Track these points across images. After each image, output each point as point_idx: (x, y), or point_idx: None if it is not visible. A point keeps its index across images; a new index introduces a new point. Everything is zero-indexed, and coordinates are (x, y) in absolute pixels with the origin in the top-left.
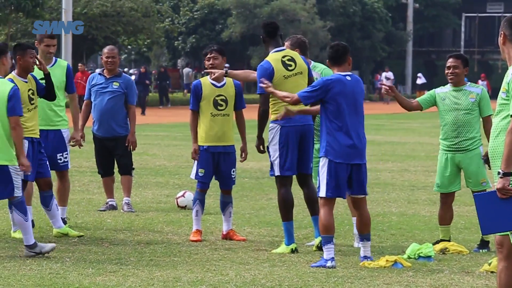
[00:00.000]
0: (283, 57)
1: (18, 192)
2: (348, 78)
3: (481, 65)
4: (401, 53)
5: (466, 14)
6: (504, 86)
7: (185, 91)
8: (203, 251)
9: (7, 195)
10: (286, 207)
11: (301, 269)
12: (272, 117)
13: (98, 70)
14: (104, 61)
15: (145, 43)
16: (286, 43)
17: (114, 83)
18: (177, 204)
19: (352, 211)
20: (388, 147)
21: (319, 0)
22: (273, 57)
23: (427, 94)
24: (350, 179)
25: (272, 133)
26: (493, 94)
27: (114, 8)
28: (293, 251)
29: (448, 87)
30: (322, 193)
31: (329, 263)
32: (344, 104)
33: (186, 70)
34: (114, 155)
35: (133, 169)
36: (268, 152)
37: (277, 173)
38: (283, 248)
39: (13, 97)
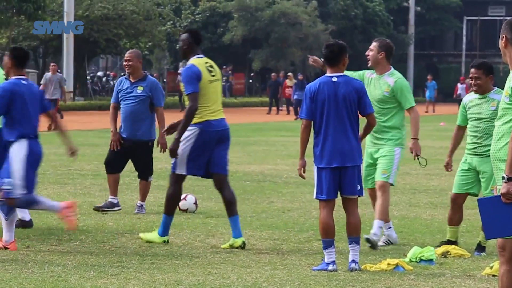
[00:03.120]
0: (206, 63)
1: None
2: (334, 79)
3: None
4: (402, 56)
5: (468, 18)
6: (507, 90)
7: None
8: (205, 254)
9: None
10: (175, 202)
11: (302, 272)
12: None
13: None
14: (124, 65)
15: (147, 46)
16: (375, 43)
17: (139, 88)
18: (179, 207)
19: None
20: None
21: (320, 3)
22: (198, 62)
23: (460, 110)
24: (340, 181)
25: (188, 134)
26: None
27: (115, 11)
28: (164, 242)
29: (474, 95)
30: (314, 195)
31: (330, 267)
32: (326, 108)
33: None
34: (132, 158)
35: (151, 174)
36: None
37: (183, 171)
38: (155, 236)
39: None
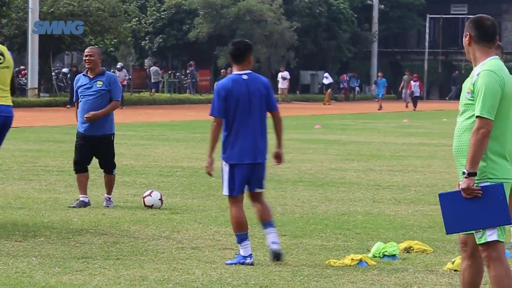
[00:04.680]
0: None
1: None
2: (245, 77)
3: (445, 66)
4: (366, 53)
5: (431, 16)
6: (469, 87)
7: (153, 90)
8: (170, 250)
9: None
10: None
11: (267, 268)
12: None
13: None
14: (84, 60)
15: (112, 42)
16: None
17: (98, 82)
18: (144, 203)
19: None
20: (354, 147)
21: (285, 0)
22: None
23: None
24: (251, 176)
25: None
26: (458, 94)
27: (81, 7)
28: None
29: None
30: (225, 191)
31: (248, 260)
32: (237, 104)
33: (154, 68)
34: (97, 154)
35: (114, 167)
36: None
37: None
38: None
39: None
